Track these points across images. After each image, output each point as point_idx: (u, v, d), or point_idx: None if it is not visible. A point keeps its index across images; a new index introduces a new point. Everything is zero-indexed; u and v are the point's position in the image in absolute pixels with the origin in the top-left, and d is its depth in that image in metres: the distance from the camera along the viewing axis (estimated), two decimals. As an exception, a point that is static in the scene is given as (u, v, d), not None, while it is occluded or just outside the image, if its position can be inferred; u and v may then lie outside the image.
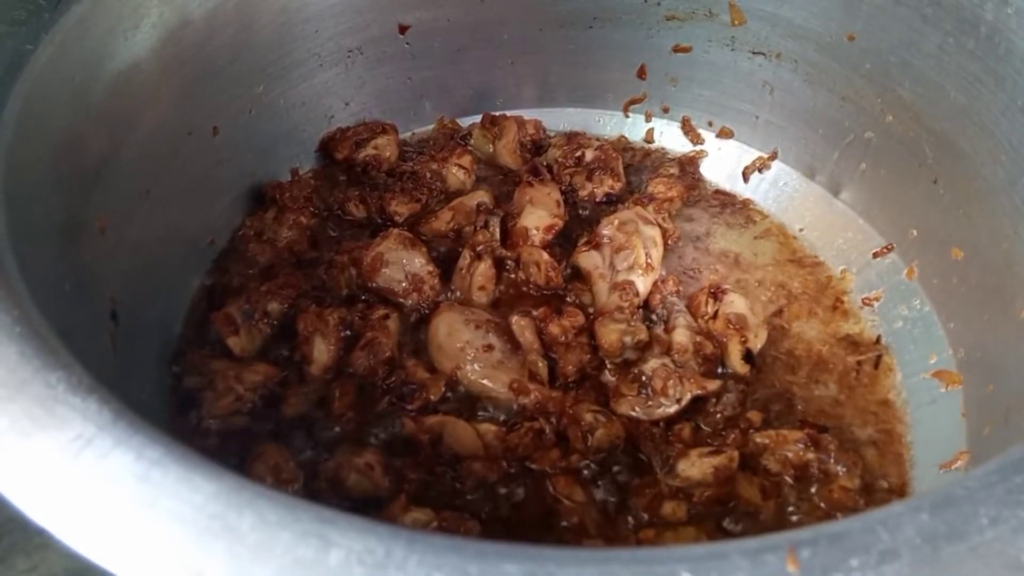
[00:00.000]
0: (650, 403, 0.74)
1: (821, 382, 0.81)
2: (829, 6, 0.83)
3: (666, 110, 1.03)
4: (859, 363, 0.83)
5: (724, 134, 1.00)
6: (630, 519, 0.68)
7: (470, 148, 0.99)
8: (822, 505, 0.70)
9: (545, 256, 0.84)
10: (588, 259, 0.84)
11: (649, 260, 0.83)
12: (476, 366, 0.75)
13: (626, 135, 1.04)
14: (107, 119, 0.68)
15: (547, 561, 0.35)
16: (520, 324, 0.78)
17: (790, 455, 0.71)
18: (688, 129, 1.02)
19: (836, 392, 0.80)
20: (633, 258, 0.82)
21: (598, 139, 1.00)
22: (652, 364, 0.76)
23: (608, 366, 0.78)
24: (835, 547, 0.36)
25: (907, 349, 0.83)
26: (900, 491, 0.73)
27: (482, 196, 0.91)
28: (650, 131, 1.04)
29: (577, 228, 0.91)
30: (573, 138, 0.99)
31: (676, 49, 0.96)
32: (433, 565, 0.34)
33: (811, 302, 0.88)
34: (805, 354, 0.83)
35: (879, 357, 0.83)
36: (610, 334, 0.77)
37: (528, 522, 0.68)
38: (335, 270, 0.82)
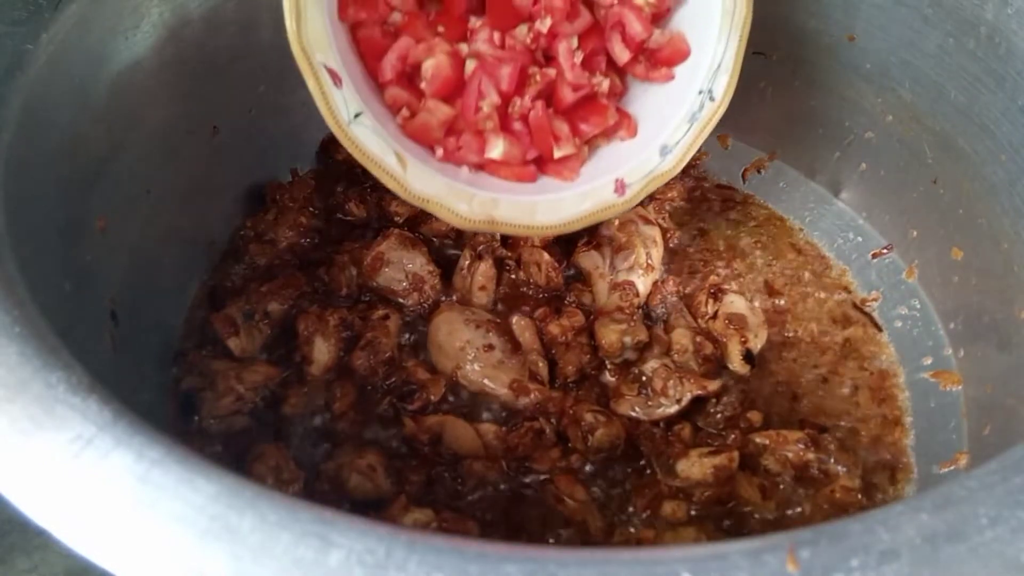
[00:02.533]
0: (650, 403, 0.74)
1: (820, 374, 0.81)
2: (829, 6, 0.83)
3: (666, 110, 1.02)
4: (847, 340, 0.83)
5: (722, 142, 1.00)
6: (630, 519, 0.68)
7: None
8: (823, 505, 0.70)
9: (545, 256, 0.83)
10: (588, 259, 0.84)
11: (649, 260, 0.83)
12: (476, 366, 0.75)
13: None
14: (107, 119, 0.68)
15: (547, 561, 0.35)
16: (520, 324, 0.78)
17: (790, 455, 0.71)
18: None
19: (837, 390, 0.80)
20: (633, 258, 0.83)
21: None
22: (652, 364, 0.76)
23: (608, 366, 0.78)
24: (835, 547, 0.36)
25: (907, 349, 0.83)
26: (899, 491, 0.73)
27: (482, 196, 0.91)
28: (650, 131, 1.04)
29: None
30: (573, 138, 0.99)
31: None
32: (433, 565, 0.35)
33: (811, 289, 0.89)
34: (805, 344, 0.84)
35: (872, 322, 0.85)
36: (610, 334, 0.77)
37: (528, 522, 0.68)
38: (335, 270, 0.82)
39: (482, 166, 0.74)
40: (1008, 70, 0.70)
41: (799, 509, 0.70)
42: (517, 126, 0.74)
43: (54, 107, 0.62)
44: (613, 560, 0.35)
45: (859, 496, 0.70)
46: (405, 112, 0.72)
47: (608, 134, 0.78)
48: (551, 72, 0.73)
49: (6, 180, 0.54)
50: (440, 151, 0.73)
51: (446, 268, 0.84)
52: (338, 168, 0.96)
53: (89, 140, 0.66)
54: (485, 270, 0.81)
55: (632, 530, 0.67)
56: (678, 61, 0.76)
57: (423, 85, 0.71)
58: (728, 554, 0.35)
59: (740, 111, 0.98)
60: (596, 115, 0.75)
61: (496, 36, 0.71)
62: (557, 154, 0.74)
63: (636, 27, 0.73)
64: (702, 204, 0.97)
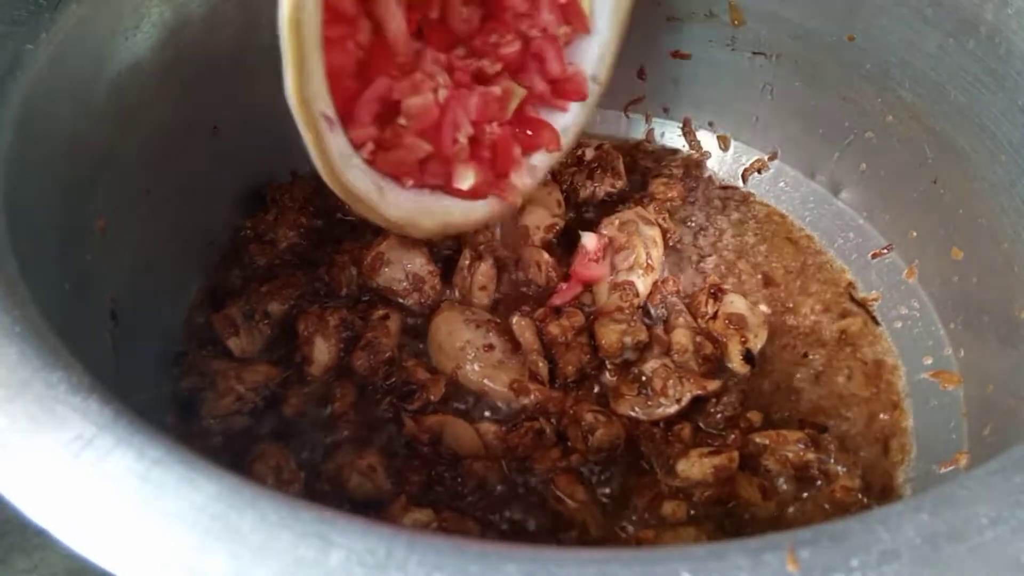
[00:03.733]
0: (650, 403, 0.74)
1: (818, 363, 0.82)
2: (829, 6, 0.83)
3: (666, 110, 1.02)
4: (843, 332, 0.84)
5: (723, 143, 1.00)
6: (630, 519, 0.68)
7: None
8: (823, 505, 0.70)
9: (546, 256, 0.84)
10: (588, 259, 0.84)
11: (649, 260, 0.83)
12: (476, 366, 0.75)
13: (626, 135, 1.04)
14: (107, 119, 0.68)
15: (547, 561, 0.35)
16: (520, 324, 0.78)
17: (790, 455, 0.71)
18: (688, 131, 1.02)
19: (834, 377, 0.81)
20: (633, 258, 0.83)
21: (598, 139, 1.00)
22: (652, 364, 0.76)
23: (608, 366, 0.78)
24: (835, 547, 0.36)
25: (907, 349, 0.83)
26: (899, 491, 0.73)
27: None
28: (650, 131, 1.04)
29: (578, 228, 0.91)
30: (573, 138, 0.99)
31: (675, 54, 0.96)
32: (433, 565, 0.35)
33: (808, 281, 0.89)
34: (802, 334, 0.84)
35: (869, 315, 0.86)
36: (610, 334, 0.77)
37: (528, 522, 0.68)
38: (336, 270, 0.82)
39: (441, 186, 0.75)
40: (1008, 70, 0.70)
41: (799, 509, 0.70)
42: (486, 153, 0.76)
43: (54, 107, 0.62)
44: (613, 560, 0.35)
45: (859, 496, 0.70)
46: (370, 146, 0.69)
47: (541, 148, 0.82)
48: (496, 91, 0.75)
49: (6, 180, 0.54)
50: (410, 181, 0.72)
51: (446, 268, 0.84)
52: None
53: (89, 140, 0.66)
54: (485, 270, 0.81)
55: (632, 530, 0.67)
56: (575, 99, 0.82)
57: (402, 121, 0.69)
58: (728, 554, 0.35)
59: (740, 111, 0.98)
60: (540, 130, 0.81)
61: (442, 57, 0.71)
62: (516, 180, 0.79)
63: (555, 66, 0.79)
64: (702, 204, 0.97)
